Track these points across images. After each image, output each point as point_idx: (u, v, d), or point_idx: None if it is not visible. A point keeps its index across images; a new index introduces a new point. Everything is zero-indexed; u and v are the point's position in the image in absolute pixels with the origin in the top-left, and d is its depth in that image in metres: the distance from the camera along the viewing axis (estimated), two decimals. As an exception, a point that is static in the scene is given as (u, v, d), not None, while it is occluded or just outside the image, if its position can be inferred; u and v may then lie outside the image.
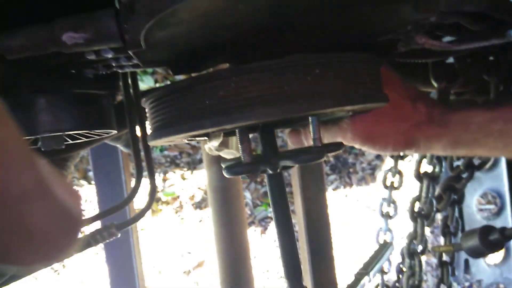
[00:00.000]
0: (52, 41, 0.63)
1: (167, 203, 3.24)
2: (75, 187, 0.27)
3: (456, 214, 1.56)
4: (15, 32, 0.64)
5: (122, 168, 2.05)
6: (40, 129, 0.78)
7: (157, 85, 3.27)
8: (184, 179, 3.32)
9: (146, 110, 0.86)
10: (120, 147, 1.80)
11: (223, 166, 0.90)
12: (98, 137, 1.04)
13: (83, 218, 0.27)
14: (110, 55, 0.70)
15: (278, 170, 0.88)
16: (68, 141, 0.96)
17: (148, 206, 1.22)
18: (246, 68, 0.69)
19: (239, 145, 0.80)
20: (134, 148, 1.23)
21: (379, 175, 3.06)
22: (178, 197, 3.28)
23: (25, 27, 0.64)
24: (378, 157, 3.04)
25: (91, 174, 3.24)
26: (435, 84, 1.20)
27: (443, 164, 1.42)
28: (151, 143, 0.87)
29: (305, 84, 0.70)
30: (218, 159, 2.03)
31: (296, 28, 0.72)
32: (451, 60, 1.27)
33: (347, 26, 0.75)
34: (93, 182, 2.89)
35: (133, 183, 1.24)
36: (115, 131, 0.96)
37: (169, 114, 0.77)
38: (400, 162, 1.61)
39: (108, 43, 0.64)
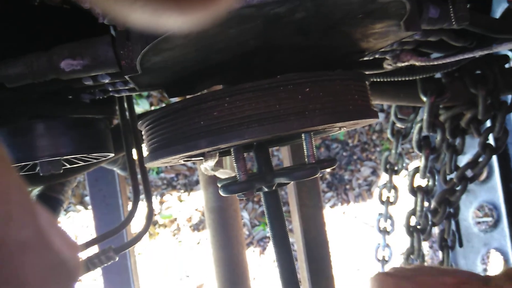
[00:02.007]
0: (51, 68, 0.65)
1: (164, 225, 3.23)
2: (72, 238, 0.27)
3: (453, 227, 1.56)
4: (14, 61, 0.66)
5: (119, 192, 2.05)
6: (38, 154, 0.79)
7: (153, 108, 3.30)
8: (181, 201, 3.31)
9: (143, 132, 0.88)
10: (116, 170, 1.81)
11: (219, 185, 0.92)
12: (95, 160, 1.06)
13: (80, 269, 0.27)
14: (106, 80, 0.73)
15: (274, 188, 0.89)
16: (66, 165, 0.97)
17: (146, 229, 1.23)
18: (238, 88, 0.72)
19: (234, 164, 0.82)
20: (131, 171, 1.24)
21: (376, 191, 3.08)
22: (175, 219, 3.27)
23: (23, 55, 0.66)
24: (374, 172, 3.06)
25: (87, 199, 3.23)
26: (423, 99, 1.23)
27: (437, 177, 1.44)
28: (148, 165, 0.89)
29: (297, 102, 0.72)
30: (215, 180, 2.04)
31: (285, 49, 0.74)
32: (438, 75, 1.30)
33: (334, 46, 0.78)
34: (89, 207, 2.87)
35: (130, 206, 1.25)
36: (112, 154, 0.98)
37: (165, 136, 0.79)
38: (394, 176, 1.63)
39: (105, 69, 0.67)
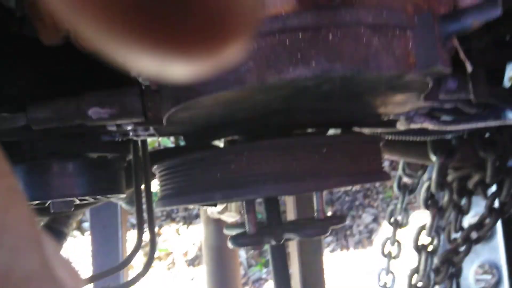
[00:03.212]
0: (78, 115, 0.67)
1: (159, 258, 3.18)
2: (76, 269, 0.27)
3: (454, 286, 1.54)
4: (43, 105, 0.68)
5: (119, 224, 2.04)
6: (53, 194, 0.80)
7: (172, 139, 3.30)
8: (179, 234, 3.28)
9: (157, 176, 0.89)
10: (121, 204, 1.81)
11: (227, 232, 0.92)
12: (105, 198, 1.06)
13: None
14: (130, 127, 0.74)
15: (281, 242, 0.89)
16: (77, 202, 0.98)
17: (145, 271, 1.21)
18: (258, 145, 0.73)
19: (245, 215, 0.82)
20: (137, 208, 1.24)
21: (376, 238, 3.05)
22: (171, 253, 3.22)
23: (53, 100, 0.68)
24: (375, 220, 3.04)
25: (85, 225, 3.20)
26: (433, 159, 1.25)
27: (442, 236, 1.43)
28: (160, 208, 0.89)
29: (313, 163, 0.73)
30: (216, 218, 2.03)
31: (306, 110, 0.76)
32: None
33: (352, 109, 0.80)
34: (86, 233, 2.84)
35: (129, 239, 1.24)
36: (124, 195, 0.98)
37: (181, 184, 0.80)
38: (398, 230, 1.62)
39: (131, 119, 0.68)
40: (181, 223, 3.33)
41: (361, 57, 0.49)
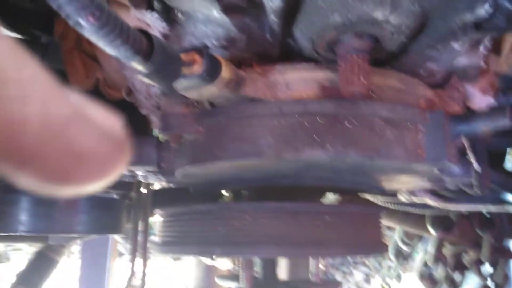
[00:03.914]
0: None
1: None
2: (109, 112, 0.29)
3: None
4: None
5: (109, 254, 2.02)
6: (55, 229, 0.81)
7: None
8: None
9: (161, 220, 0.90)
10: (116, 237, 1.80)
11: (220, 282, 0.91)
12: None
13: (127, 141, 0.29)
14: (141, 173, 0.76)
15: (276, 301, 0.88)
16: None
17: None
18: (263, 205, 0.74)
19: (242, 271, 0.83)
20: (133, 244, 1.24)
21: (365, 298, 2.99)
22: None
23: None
24: (366, 279, 2.99)
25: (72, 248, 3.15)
26: (432, 232, 1.26)
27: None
28: (157, 253, 0.89)
29: (316, 230, 0.74)
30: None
31: (314, 178, 0.78)
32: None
33: (359, 182, 0.82)
34: (72, 255, 2.81)
35: (115, 269, 1.23)
36: (122, 235, 0.99)
37: (183, 233, 0.80)
38: (389, 297, 1.61)
39: (145, 167, 0.70)
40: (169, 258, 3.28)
41: (373, 146, 0.51)
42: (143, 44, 0.35)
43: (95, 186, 0.27)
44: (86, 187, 0.27)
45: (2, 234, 0.86)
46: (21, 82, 0.22)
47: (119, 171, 0.29)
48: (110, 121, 0.28)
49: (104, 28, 0.30)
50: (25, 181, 0.24)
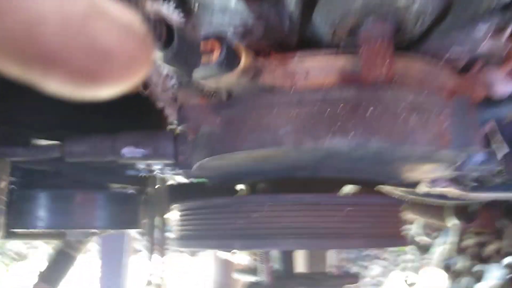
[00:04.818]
0: (112, 152, 0.69)
1: None
2: (128, 8, 0.27)
3: None
4: (79, 140, 0.70)
5: (126, 250, 2.04)
6: (73, 224, 0.81)
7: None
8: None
9: (178, 214, 0.89)
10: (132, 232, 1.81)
11: (239, 277, 0.91)
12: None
13: (149, 34, 0.27)
14: (159, 167, 0.76)
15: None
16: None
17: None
18: (281, 198, 0.73)
19: (261, 264, 0.82)
20: (150, 239, 1.25)
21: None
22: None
23: (89, 135, 0.71)
24: (383, 273, 2.97)
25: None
26: (453, 223, 1.23)
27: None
28: (175, 247, 0.89)
29: (336, 222, 0.73)
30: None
31: (333, 168, 0.77)
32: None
33: (379, 172, 0.80)
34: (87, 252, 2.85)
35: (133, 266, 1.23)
36: (140, 229, 0.99)
37: (201, 227, 0.80)
38: (409, 289, 1.59)
39: (162, 160, 0.70)
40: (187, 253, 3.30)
41: (398, 132, 0.50)
42: (162, 31, 0.34)
43: (123, 86, 0.27)
44: (113, 87, 0.26)
45: (21, 230, 0.87)
46: None
47: (145, 69, 0.28)
48: (129, 16, 0.27)
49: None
50: (51, 85, 0.23)
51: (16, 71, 0.23)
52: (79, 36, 0.23)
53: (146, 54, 0.28)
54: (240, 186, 1.04)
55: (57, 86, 0.24)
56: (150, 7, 0.47)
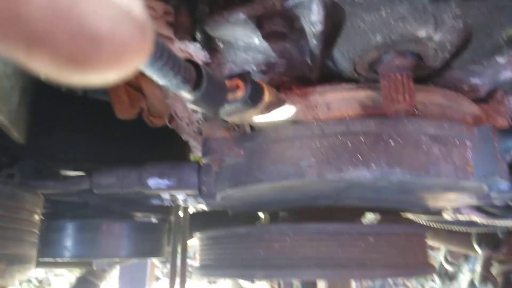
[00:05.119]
0: (139, 183, 0.71)
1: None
2: None
3: None
4: (108, 172, 0.72)
5: (147, 279, 2.04)
6: (99, 253, 0.83)
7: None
8: (201, 291, 3.22)
9: (200, 242, 0.90)
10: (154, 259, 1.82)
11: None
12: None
13: (148, 19, 0.25)
14: (182, 197, 0.77)
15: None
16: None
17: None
18: (303, 227, 0.74)
19: (284, 294, 0.81)
20: (172, 267, 1.25)
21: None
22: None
23: (116, 167, 0.73)
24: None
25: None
26: (478, 251, 1.20)
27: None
28: (197, 277, 0.89)
29: (359, 252, 0.73)
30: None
31: (356, 197, 0.77)
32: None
33: (402, 201, 0.80)
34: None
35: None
36: (163, 258, 1.00)
37: (223, 256, 0.80)
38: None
39: (186, 191, 0.72)
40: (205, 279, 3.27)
41: (420, 163, 0.50)
42: (192, 74, 0.36)
43: (113, 74, 0.25)
44: (102, 74, 0.25)
45: (47, 260, 0.89)
46: None
47: (141, 58, 0.26)
48: (129, 1, 0.25)
49: (159, 62, 0.31)
50: (36, 66, 0.23)
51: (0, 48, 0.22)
52: (67, 17, 0.22)
53: (141, 42, 0.26)
54: (261, 214, 1.04)
55: (42, 68, 0.23)
56: (178, 47, 0.49)
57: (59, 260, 0.89)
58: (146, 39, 0.26)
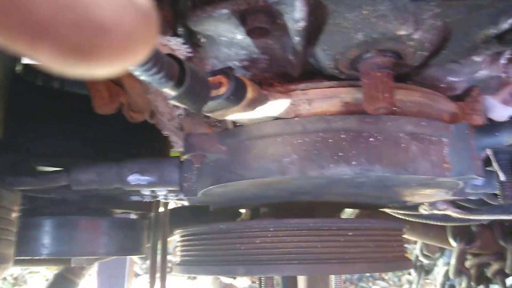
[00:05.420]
0: (119, 180, 0.70)
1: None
2: None
3: None
4: (86, 168, 0.71)
5: (126, 275, 2.01)
6: (77, 251, 0.82)
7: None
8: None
9: (180, 239, 0.90)
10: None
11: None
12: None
13: (153, 8, 0.25)
14: (163, 193, 0.77)
15: (299, 321, 0.87)
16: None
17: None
18: (284, 223, 0.74)
19: (264, 289, 0.82)
20: (151, 266, 1.24)
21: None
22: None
23: (95, 163, 0.72)
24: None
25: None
26: (453, 244, 1.24)
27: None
28: (178, 274, 0.89)
29: (338, 246, 0.74)
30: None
31: (335, 193, 0.78)
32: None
33: (380, 196, 0.82)
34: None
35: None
36: (144, 255, 0.99)
37: (203, 253, 0.80)
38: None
39: (167, 187, 0.71)
40: (185, 276, 3.26)
41: (399, 161, 0.51)
42: (175, 70, 0.36)
43: (118, 65, 0.24)
44: (107, 65, 0.24)
45: (25, 257, 0.87)
46: None
47: (146, 48, 0.25)
48: None
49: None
50: (40, 57, 0.22)
51: (2, 40, 0.21)
52: (71, 6, 0.21)
53: (147, 32, 0.25)
54: (242, 210, 1.05)
55: (46, 59, 0.22)
56: (160, 42, 0.49)
57: (36, 258, 0.87)
58: (152, 27, 0.25)
